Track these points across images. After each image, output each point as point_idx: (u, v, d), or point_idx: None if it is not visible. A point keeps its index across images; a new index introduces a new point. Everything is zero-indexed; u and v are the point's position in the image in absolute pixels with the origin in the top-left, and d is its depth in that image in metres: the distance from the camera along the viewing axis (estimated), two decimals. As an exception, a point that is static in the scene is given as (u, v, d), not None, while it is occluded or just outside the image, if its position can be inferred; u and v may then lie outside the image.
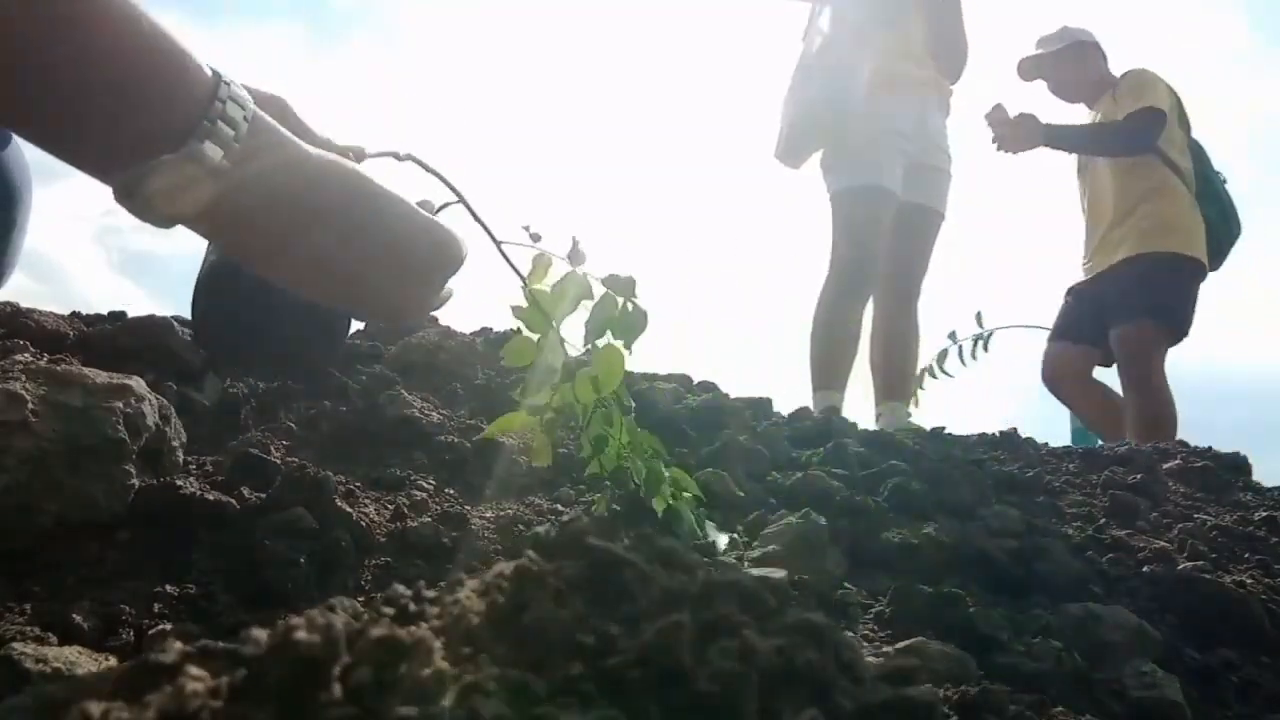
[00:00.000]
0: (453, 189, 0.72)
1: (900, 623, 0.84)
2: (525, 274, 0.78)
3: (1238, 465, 1.72)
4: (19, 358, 0.76)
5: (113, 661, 0.50)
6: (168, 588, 0.61)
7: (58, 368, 0.71)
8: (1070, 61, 3.04)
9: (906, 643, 0.75)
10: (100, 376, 0.72)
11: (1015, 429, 2.06)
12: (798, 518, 0.96)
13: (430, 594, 0.28)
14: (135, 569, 0.63)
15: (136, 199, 0.49)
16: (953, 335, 2.87)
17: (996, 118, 2.97)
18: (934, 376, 2.91)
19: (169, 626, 0.57)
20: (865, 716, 0.24)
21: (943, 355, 2.88)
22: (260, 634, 0.23)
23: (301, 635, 0.22)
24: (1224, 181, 2.99)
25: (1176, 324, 2.77)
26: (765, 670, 0.24)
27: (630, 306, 0.79)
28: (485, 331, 1.59)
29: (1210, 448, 1.81)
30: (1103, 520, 1.27)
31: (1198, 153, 2.96)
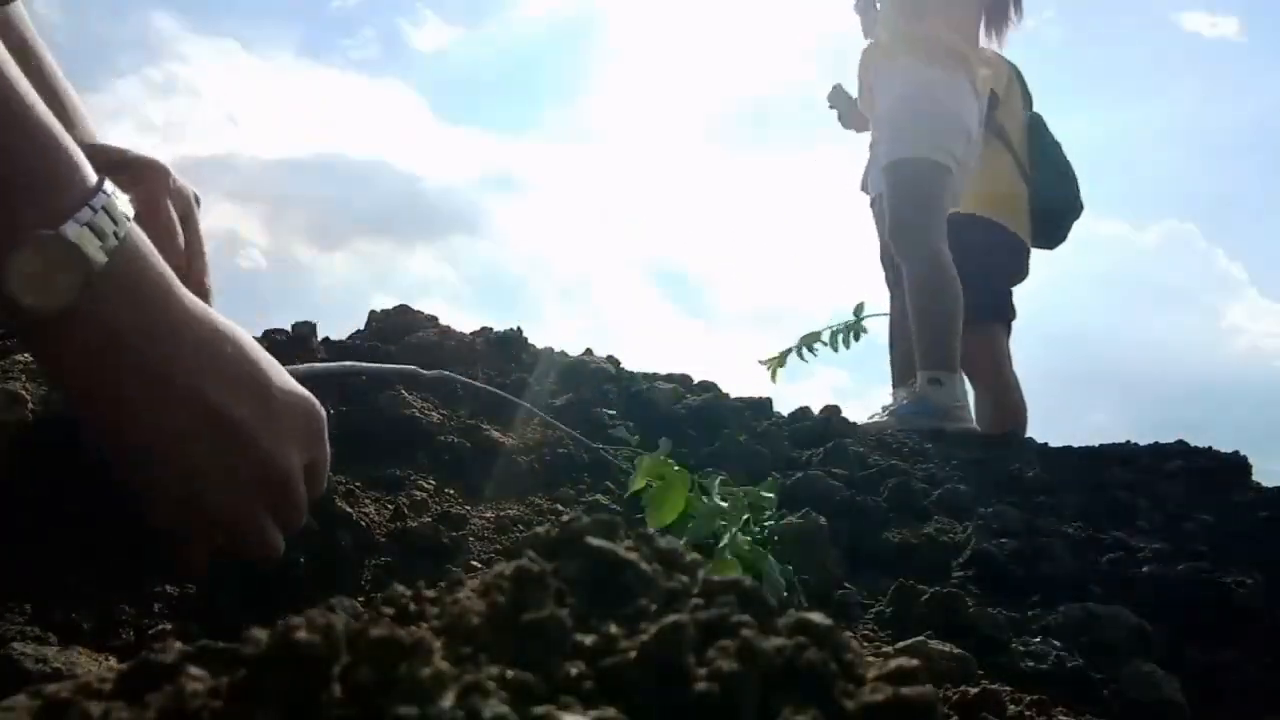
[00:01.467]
0: (503, 395, 0.75)
1: (900, 623, 0.84)
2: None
3: (1238, 465, 1.72)
4: (19, 358, 0.76)
5: (113, 661, 0.50)
6: (168, 588, 0.61)
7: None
8: None
9: (906, 643, 0.75)
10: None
11: (1014, 430, 2.07)
12: (798, 518, 0.96)
13: (430, 594, 0.28)
14: (135, 569, 0.63)
15: (4, 283, 0.44)
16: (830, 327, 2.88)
17: (837, 95, 2.98)
18: (802, 358, 2.91)
19: (169, 626, 0.56)
20: (865, 716, 0.24)
21: (811, 337, 2.89)
22: (260, 634, 0.23)
23: (301, 635, 0.22)
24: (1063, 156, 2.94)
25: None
26: (765, 670, 0.24)
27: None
28: (485, 331, 1.59)
29: (1210, 448, 1.81)
30: (1103, 520, 1.27)
31: (1036, 126, 2.93)
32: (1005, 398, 2.78)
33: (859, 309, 2.86)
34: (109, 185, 0.49)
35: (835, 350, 2.84)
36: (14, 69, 0.46)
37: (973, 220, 2.75)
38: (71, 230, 0.46)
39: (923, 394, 2.32)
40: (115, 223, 0.48)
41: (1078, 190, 2.95)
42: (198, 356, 0.51)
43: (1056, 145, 2.95)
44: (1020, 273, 2.97)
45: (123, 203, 0.49)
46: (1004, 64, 2.89)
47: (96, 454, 0.55)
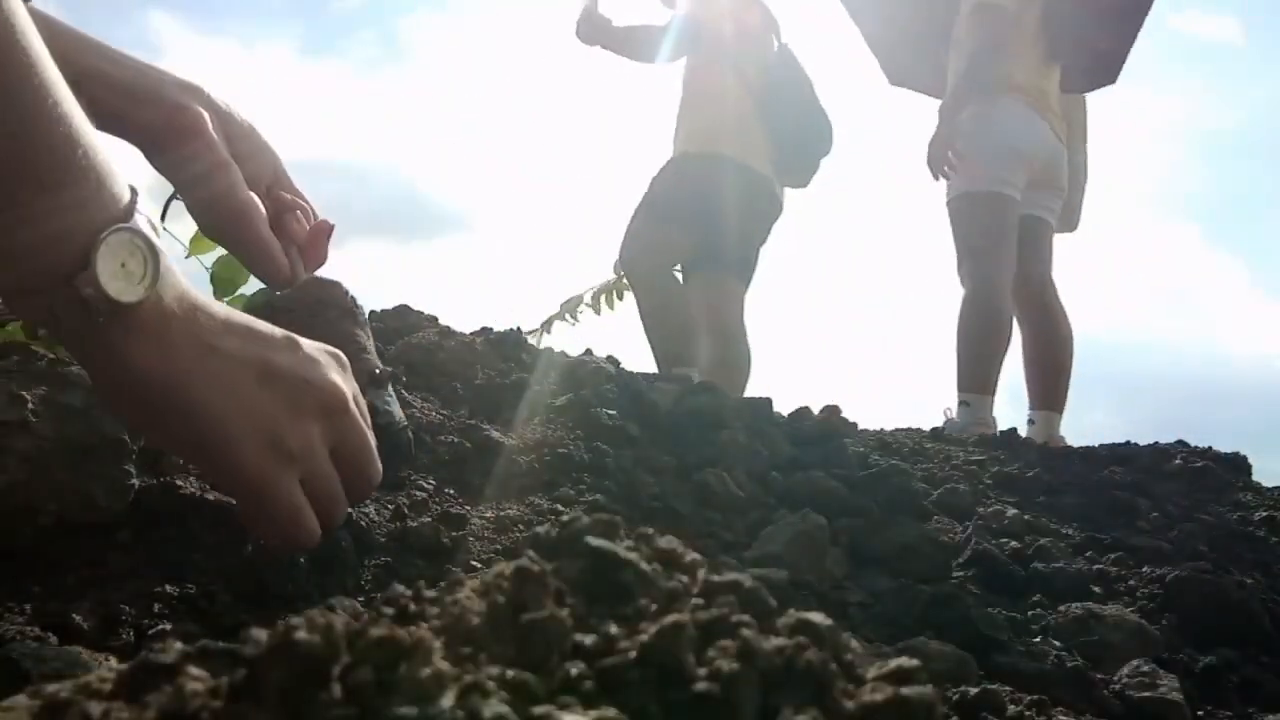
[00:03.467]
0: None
1: (900, 623, 0.84)
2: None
3: (1238, 465, 1.72)
4: (19, 358, 0.76)
5: (113, 661, 0.50)
6: (168, 588, 0.61)
7: (58, 368, 0.71)
8: None
9: (906, 643, 0.75)
10: (100, 376, 0.71)
11: (1015, 429, 2.07)
12: (798, 518, 0.96)
13: (430, 594, 0.28)
14: (135, 569, 0.63)
15: (83, 285, 0.47)
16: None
17: (590, 4, 3.02)
18: (565, 319, 2.89)
19: (169, 626, 0.56)
20: (865, 716, 0.24)
21: (574, 302, 2.86)
22: (260, 634, 0.23)
23: (301, 635, 0.22)
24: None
25: None
26: (765, 670, 0.24)
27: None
28: (485, 331, 1.59)
29: (1210, 448, 1.81)
30: (1103, 520, 1.27)
31: (784, 61, 2.96)
32: (729, 349, 2.80)
33: (617, 267, 2.85)
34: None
35: (598, 313, 2.82)
36: (55, 77, 0.47)
37: (717, 160, 2.77)
38: (138, 221, 0.50)
39: (952, 416, 2.50)
40: (151, 212, 0.53)
41: (823, 124, 2.98)
42: (230, 321, 0.55)
43: (800, 81, 2.98)
44: (770, 211, 2.94)
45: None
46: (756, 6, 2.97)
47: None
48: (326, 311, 0.81)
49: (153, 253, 0.50)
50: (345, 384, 0.61)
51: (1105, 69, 2.91)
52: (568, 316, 2.81)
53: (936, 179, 2.76)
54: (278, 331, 0.58)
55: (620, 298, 2.85)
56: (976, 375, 2.52)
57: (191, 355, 0.52)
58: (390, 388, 0.83)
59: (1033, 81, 2.71)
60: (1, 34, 0.43)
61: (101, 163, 0.49)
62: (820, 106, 2.97)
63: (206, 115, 0.67)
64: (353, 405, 0.60)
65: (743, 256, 2.89)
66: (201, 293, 0.56)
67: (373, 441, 0.62)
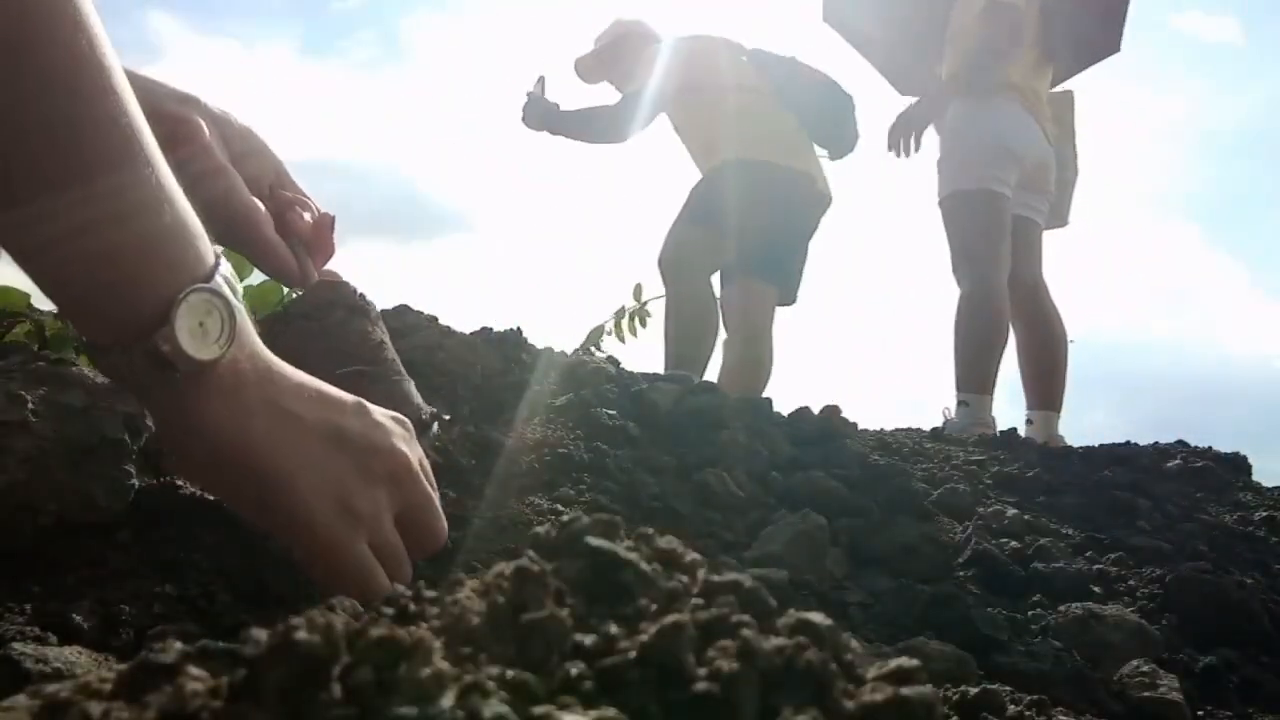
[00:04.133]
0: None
1: (900, 623, 0.84)
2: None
3: (1238, 465, 1.72)
4: (19, 358, 0.76)
5: (113, 661, 0.50)
6: (168, 588, 0.61)
7: (58, 368, 0.71)
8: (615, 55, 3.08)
9: (906, 643, 0.75)
10: (101, 376, 0.71)
11: (1015, 429, 2.07)
12: (798, 518, 0.96)
13: (430, 594, 0.28)
14: (135, 569, 0.63)
15: (161, 342, 0.48)
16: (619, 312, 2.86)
17: (535, 90, 3.00)
18: (597, 350, 2.90)
19: (169, 626, 0.57)
20: (865, 716, 0.24)
21: (597, 333, 2.85)
22: (260, 634, 0.23)
23: (301, 635, 0.22)
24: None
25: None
26: (765, 670, 0.24)
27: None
28: (485, 331, 1.59)
29: (1210, 448, 1.81)
30: (1103, 520, 1.27)
31: (758, 58, 2.98)
32: (750, 350, 2.78)
33: (637, 291, 2.84)
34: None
35: (623, 341, 2.81)
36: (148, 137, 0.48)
37: (755, 166, 2.77)
38: (218, 282, 0.51)
39: (951, 416, 2.53)
40: (232, 272, 0.53)
41: (833, 88, 2.99)
42: (303, 384, 0.56)
43: (792, 64, 2.98)
44: (812, 206, 2.92)
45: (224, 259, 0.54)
46: (715, 42, 2.97)
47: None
48: (335, 312, 0.81)
49: (230, 314, 0.51)
50: (410, 450, 0.61)
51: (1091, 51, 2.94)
52: (593, 349, 2.80)
53: (897, 156, 2.77)
54: (347, 397, 0.58)
55: (644, 324, 2.83)
56: (975, 375, 2.53)
57: (264, 417, 0.52)
58: (435, 426, 0.84)
59: (1028, 82, 2.72)
60: (64, 25, 0.44)
61: (183, 220, 0.50)
62: (821, 74, 2.98)
63: (204, 124, 0.68)
64: (417, 468, 0.61)
65: (783, 258, 2.85)
66: (275, 357, 0.56)
67: (437, 502, 0.63)
